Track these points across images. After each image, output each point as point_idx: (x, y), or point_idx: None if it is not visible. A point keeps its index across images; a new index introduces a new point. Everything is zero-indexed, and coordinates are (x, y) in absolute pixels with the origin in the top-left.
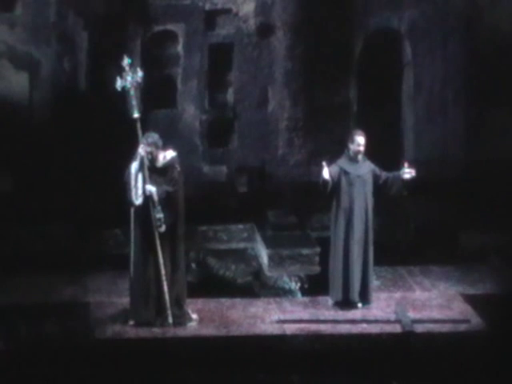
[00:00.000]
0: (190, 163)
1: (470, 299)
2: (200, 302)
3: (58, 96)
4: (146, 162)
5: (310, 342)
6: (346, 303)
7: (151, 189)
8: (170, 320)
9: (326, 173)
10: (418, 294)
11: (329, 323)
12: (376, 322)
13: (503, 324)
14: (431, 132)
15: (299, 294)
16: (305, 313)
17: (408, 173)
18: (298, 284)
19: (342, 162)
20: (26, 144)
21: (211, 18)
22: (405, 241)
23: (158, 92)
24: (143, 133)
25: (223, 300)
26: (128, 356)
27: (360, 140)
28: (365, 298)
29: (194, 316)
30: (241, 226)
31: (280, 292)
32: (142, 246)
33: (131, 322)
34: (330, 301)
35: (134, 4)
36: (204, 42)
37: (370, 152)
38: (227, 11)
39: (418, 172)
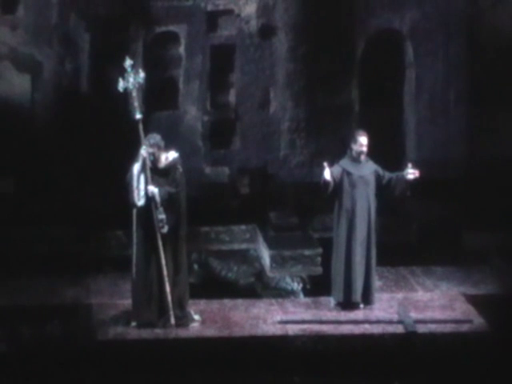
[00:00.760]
0: (192, 164)
1: (472, 300)
2: (202, 303)
3: (60, 98)
4: (148, 163)
5: (313, 343)
6: (348, 304)
7: (153, 190)
8: (173, 321)
9: (327, 173)
10: (421, 295)
11: (331, 324)
12: (378, 322)
13: (505, 324)
14: (433, 132)
15: (301, 295)
16: (307, 314)
17: (412, 173)
18: (300, 285)
19: (345, 163)
20: (27, 146)
21: (213, 19)
22: (407, 241)
23: (160, 93)
24: (145, 134)
25: (225, 301)
26: (130, 357)
27: (362, 140)
28: (367, 298)
29: (197, 317)
30: (243, 227)
31: (282, 293)
32: (144, 247)
33: (133, 324)
34: (332, 301)
35: (135, 5)
36: (206, 43)
37: (372, 153)
38: (229, 12)
39: (420, 172)
